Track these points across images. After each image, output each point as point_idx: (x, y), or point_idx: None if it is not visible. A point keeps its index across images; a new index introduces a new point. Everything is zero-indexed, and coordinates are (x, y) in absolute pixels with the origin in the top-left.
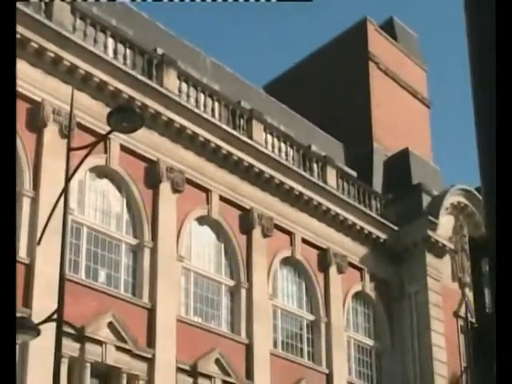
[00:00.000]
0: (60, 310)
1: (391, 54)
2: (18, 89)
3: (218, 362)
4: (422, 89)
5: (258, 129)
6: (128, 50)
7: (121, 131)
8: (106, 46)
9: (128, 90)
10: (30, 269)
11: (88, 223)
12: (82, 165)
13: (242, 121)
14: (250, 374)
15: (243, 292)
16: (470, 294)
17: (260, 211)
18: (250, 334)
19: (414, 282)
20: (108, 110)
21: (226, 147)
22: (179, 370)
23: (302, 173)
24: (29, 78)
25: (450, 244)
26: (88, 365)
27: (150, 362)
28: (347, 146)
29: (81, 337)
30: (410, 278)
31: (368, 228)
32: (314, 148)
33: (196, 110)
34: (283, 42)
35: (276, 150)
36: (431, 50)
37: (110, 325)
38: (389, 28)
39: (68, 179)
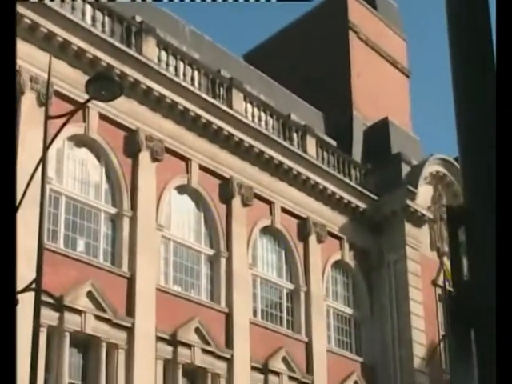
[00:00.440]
0: (38, 279)
1: (371, 24)
2: None
3: (197, 330)
4: (401, 59)
5: (237, 98)
6: (106, 18)
7: (99, 99)
8: (84, 14)
9: (106, 58)
10: None
11: (66, 192)
12: (60, 133)
13: (221, 90)
14: (229, 342)
15: (223, 261)
16: (448, 263)
17: (240, 180)
18: (229, 303)
19: (392, 251)
20: (86, 78)
21: (206, 116)
22: (159, 338)
23: (282, 142)
24: None
25: (428, 213)
26: (67, 334)
27: (130, 331)
28: (327, 116)
29: (59, 306)
30: (389, 247)
31: (347, 197)
32: (293, 117)
33: (175, 79)
34: (263, 11)
35: (256, 119)
36: (411, 19)
37: (89, 294)
38: None
39: (46, 148)
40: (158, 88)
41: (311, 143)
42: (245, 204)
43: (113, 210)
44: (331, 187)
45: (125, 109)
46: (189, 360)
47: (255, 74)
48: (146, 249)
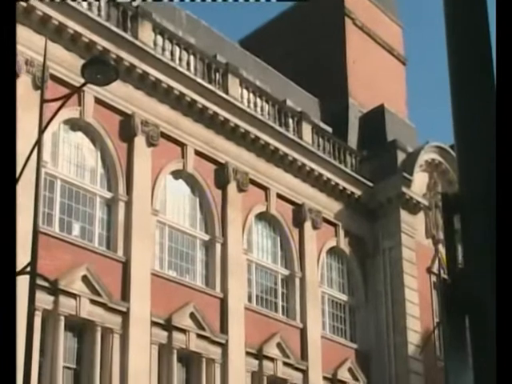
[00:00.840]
0: (33, 262)
1: (367, 10)
2: None
3: (192, 315)
4: (397, 46)
5: (233, 83)
6: (102, 2)
7: (95, 83)
8: None
9: (102, 42)
10: None
11: (62, 176)
12: (55, 117)
13: (217, 75)
14: (224, 327)
15: (218, 246)
16: (443, 250)
17: (235, 166)
18: (224, 289)
19: (388, 238)
20: (82, 61)
21: (202, 101)
22: (154, 323)
23: (278, 128)
24: None
25: (423, 201)
26: (62, 318)
27: (125, 315)
28: (323, 102)
29: (54, 290)
30: (384, 234)
31: (343, 184)
32: (289, 103)
33: (171, 64)
34: None
35: (251, 105)
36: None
37: (84, 278)
38: None
39: (41, 131)
40: (153, 73)
41: (307, 129)
42: (240, 190)
43: (108, 195)
44: (327, 174)
45: (120, 93)
46: (183, 345)
47: (251, 60)
48: (142, 233)
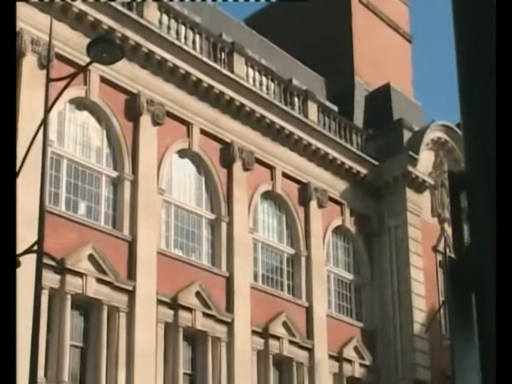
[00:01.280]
0: (40, 241)
1: None
2: None
3: (198, 294)
4: (403, 23)
5: (239, 62)
6: None
7: (100, 62)
8: None
9: (108, 21)
10: None
11: (68, 155)
12: (61, 96)
13: (223, 54)
14: (230, 306)
15: (224, 225)
16: (449, 229)
17: (241, 145)
18: (230, 267)
19: (393, 216)
20: (88, 40)
21: (207, 80)
22: (160, 302)
23: (283, 107)
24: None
25: (429, 179)
26: (68, 297)
27: (131, 294)
28: (328, 81)
29: (61, 269)
30: (389, 213)
31: (349, 163)
32: (295, 82)
33: (177, 43)
34: None
35: (257, 84)
36: None
37: (91, 257)
38: None
39: (47, 110)
40: (159, 52)
41: (312, 108)
42: (246, 169)
43: (114, 174)
44: (332, 152)
45: (126, 72)
46: (189, 323)
47: (257, 39)
48: (147, 212)
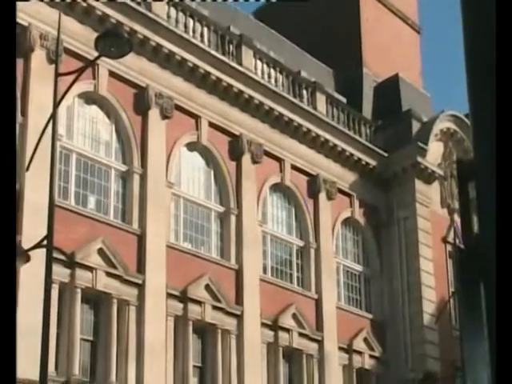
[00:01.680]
0: (50, 236)
1: None
2: None
3: (207, 287)
4: (412, 14)
5: (247, 55)
6: None
7: (109, 56)
8: None
9: (116, 15)
10: (19, 195)
11: (77, 149)
12: (70, 90)
13: (231, 47)
14: (239, 299)
15: (233, 218)
16: (458, 219)
17: (249, 137)
18: (239, 260)
19: (402, 208)
20: (96, 35)
21: (216, 73)
22: (169, 295)
23: (292, 99)
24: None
25: (439, 170)
26: (78, 290)
27: (140, 287)
28: (337, 72)
29: (71, 263)
30: (398, 204)
31: (357, 154)
32: (303, 74)
33: (185, 36)
34: None
35: (266, 76)
36: None
37: (100, 251)
38: None
39: (56, 105)
40: (167, 45)
41: (321, 100)
42: (254, 161)
43: (123, 168)
44: (341, 144)
45: (134, 66)
46: (199, 316)
47: (265, 31)
48: (157, 206)
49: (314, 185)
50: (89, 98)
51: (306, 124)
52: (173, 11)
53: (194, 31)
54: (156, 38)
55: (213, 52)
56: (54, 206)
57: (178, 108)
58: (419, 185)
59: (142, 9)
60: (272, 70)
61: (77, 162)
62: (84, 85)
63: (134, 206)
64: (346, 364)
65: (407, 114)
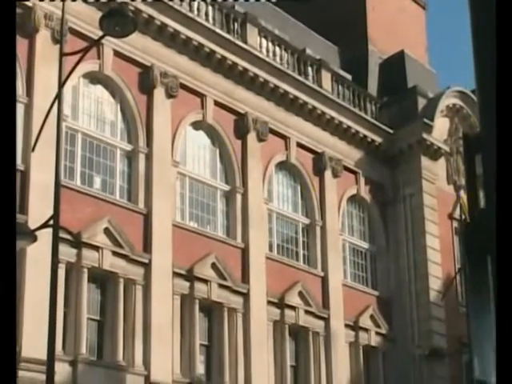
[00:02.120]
0: (56, 216)
1: None
2: None
3: (214, 266)
4: None
5: (252, 33)
6: None
7: (113, 36)
8: None
9: None
10: (25, 175)
11: (82, 129)
12: (75, 70)
13: (236, 25)
14: (245, 277)
15: (238, 197)
16: (464, 196)
17: (255, 116)
18: (245, 238)
19: (408, 184)
20: (100, 14)
21: (220, 51)
22: (175, 274)
23: (297, 77)
24: None
25: (445, 146)
26: (85, 270)
27: (147, 266)
28: (342, 49)
29: (77, 242)
30: (404, 181)
31: (363, 131)
32: (308, 51)
33: (190, 14)
34: None
35: (271, 54)
36: None
37: (106, 230)
38: None
39: (61, 85)
40: (172, 24)
41: (326, 77)
42: (260, 139)
43: (128, 147)
44: (347, 121)
45: (139, 45)
46: (205, 295)
47: (270, 9)
48: (162, 185)
49: (319, 162)
50: (94, 78)
51: (312, 102)
52: None
53: (198, 10)
54: (161, 17)
55: (218, 30)
56: (60, 186)
57: (183, 87)
58: (425, 161)
59: None
60: (277, 48)
61: (82, 142)
62: (89, 65)
63: (140, 186)
64: (352, 341)
65: (413, 91)
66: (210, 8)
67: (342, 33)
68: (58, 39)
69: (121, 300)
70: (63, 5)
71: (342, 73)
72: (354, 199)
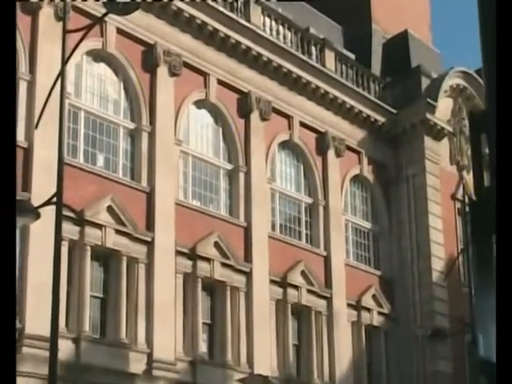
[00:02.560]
0: (59, 193)
1: None
2: None
3: (216, 244)
4: None
5: (255, 12)
6: None
7: (116, 13)
8: None
9: None
10: (28, 153)
11: (85, 107)
12: (78, 48)
13: (239, 3)
14: (248, 256)
15: (241, 176)
16: (467, 176)
17: (258, 95)
18: (248, 218)
19: (411, 164)
20: None
21: (224, 30)
22: (178, 253)
23: (300, 56)
24: None
25: (448, 127)
26: (88, 248)
27: (150, 245)
28: (346, 29)
29: (80, 220)
30: (407, 161)
31: (366, 111)
32: (312, 31)
33: None
34: None
35: (274, 33)
36: None
37: (109, 208)
38: None
39: (64, 62)
40: (175, 1)
41: (330, 57)
42: (263, 118)
43: (131, 125)
44: (350, 101)
45: (142, 23)
46: (208, 274)
47: None
48: (165, 164)
49: (322, 142)
50: (97, 56)
51: (315, 81)
52: None
53: None
54: None
55: (221, 9)
56: (63, 163)
57: (187, 65)
58: (428, 141)
59: None
60: (280, 27)
61: (85, 120)
62: (92, 42)
63: (143, 164)
64: (354, 321)
65: (416, 71)
66: None
67: (345, 12)
68: (61, 16)
69: (124, 278)
70: None
71: (345, 52)
72: (357, 179)
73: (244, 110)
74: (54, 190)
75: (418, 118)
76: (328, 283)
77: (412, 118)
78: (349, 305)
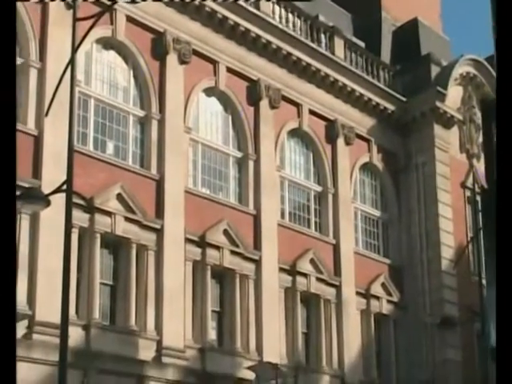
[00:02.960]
0: (69, 181)
1: None
2: None
3: (226, 232)
4: None
5: None
6: None
7: (126, 1)
8: None
9: None
10: (38, 140)
11: (95, 95)
12: (88, 36)
13: None
14: (257, 244)
15: (251, 163)
16: (477, 164)
17: (267, 82)
18: (257, 205)
19: (421, 153)
20: None
21: (233, 18)
22: (188, 240)
23: (310, 43)
24: None
25: (458, 115)
26: (98, 235)
27: (159, 232)
28: (355, 17)
29: (90, 208)
30: (417, 149)
31: (376, 99)
32: (321, 18)
33: None
34: None
35: (283, 21)
36: None
37: (119, 196)
38: None
39: (74, 50)
40: None
41: (339, 45)
42: (272, 106)
43: (141, 113)
44: (359, 89)
45: (152, 11)
46: (217, 261)
47: None
48: (175, 151)
49: (331, 130)
50: (107, 44)
51: (324, 69)
52: None
53: None
54: None
55: None
56: (73, 151)
57: (196, 53)
58: (438, 130)
59: None
60: (290, 15)
61: (95, 108)
62: (102, 30)
63: (153, 152)
64: (363, 309)
65: (426, 59)
66: None
67: (355, 0)
68: (71, 4)
69: (133, 265)
70: None
71: (354, 40)
72: (367, 167)
73: (253, 98)
74: (64, 177)
75: (428, 106)
76: (337, 271)
77: (422, 105)
78: (358, 293)
